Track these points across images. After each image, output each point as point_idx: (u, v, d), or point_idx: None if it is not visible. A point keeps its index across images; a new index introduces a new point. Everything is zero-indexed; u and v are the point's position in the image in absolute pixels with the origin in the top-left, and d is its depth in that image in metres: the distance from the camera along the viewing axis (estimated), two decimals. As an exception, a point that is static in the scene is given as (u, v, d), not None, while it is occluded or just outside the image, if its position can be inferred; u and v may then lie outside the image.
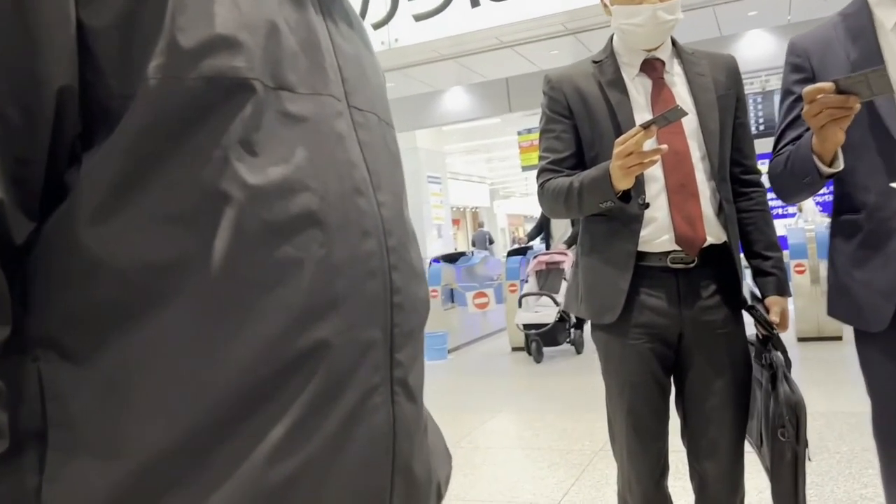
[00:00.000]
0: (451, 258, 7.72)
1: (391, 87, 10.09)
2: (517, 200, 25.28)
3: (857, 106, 1.31)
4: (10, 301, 0.49)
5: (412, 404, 0.64)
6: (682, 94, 1.68)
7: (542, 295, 6.33)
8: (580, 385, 5.25)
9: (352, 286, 0.57)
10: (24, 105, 0.48)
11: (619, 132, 1.60)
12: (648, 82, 1.68)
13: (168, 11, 0.50)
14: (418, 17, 4.67)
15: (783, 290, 1.72)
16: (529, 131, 9.50)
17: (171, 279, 0.50)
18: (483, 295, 7.09)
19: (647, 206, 1.62)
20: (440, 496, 0.73)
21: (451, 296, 7.30)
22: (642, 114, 1.65)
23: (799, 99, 1.45)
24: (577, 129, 1.71)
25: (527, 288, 6.55)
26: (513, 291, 6.99)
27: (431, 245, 12.11)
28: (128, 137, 0.49)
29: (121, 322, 0.50)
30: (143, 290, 0.50)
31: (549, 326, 6.00)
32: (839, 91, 1.29)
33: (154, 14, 0.50)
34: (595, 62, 1.73)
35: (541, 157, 1.77)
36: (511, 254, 7.49)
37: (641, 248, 1.63)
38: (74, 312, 0.50)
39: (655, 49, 1.68)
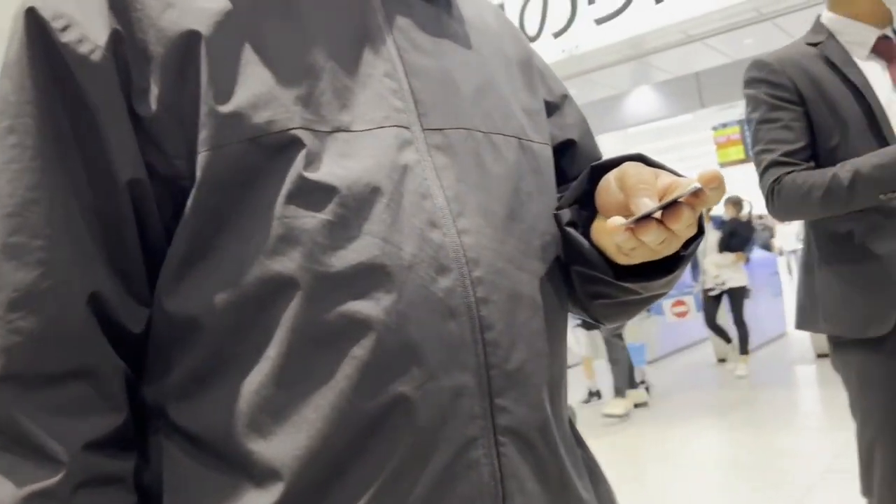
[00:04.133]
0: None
1: (573, 93, 9.93)
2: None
3: None
4: (125, 389, 0.54)
5: (531, 453, 0.56)
6: None
7: None
8: (796, 399, 4.79)
9: (427, 330, 0.52)
10: (111, 199, 0.52)
11: (870, 118, 1.43)
12: (882, 62, 1.50)
13: (204, 83, 0.51)
14: (599, 21, 4.56)
15: None
16: (725, 126, 8.94)
17: (235, 342, 0.52)
18: (681, 304, 6.73)
19: None
20: None
21: (647, 304, 6.99)
22: (890, 96, 1.46)
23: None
24: (810, 116, 1.52)
25: None
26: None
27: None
28: (188, 213, 0.52)
29: (200, 389, 0.53)
30: (215, 356, 0.52)
31: None
32: None
33: (193, 90, 0.51)
34: (811, 44, 1.55)
35: (764, 151, 1.54)
36: None
37: None
38: (169, 381, 0.54)
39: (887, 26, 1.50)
